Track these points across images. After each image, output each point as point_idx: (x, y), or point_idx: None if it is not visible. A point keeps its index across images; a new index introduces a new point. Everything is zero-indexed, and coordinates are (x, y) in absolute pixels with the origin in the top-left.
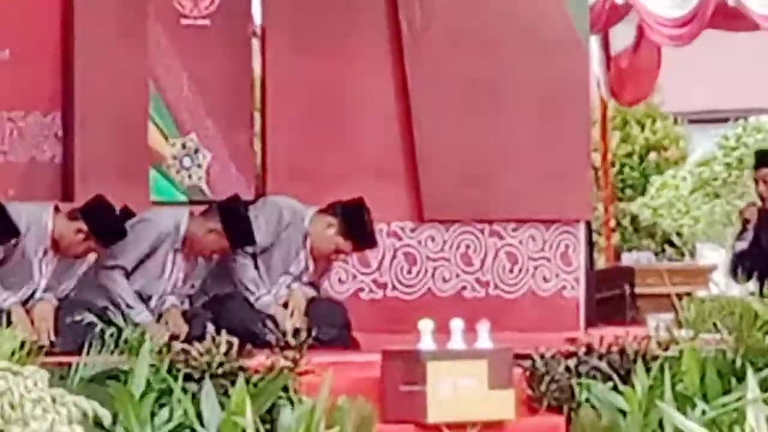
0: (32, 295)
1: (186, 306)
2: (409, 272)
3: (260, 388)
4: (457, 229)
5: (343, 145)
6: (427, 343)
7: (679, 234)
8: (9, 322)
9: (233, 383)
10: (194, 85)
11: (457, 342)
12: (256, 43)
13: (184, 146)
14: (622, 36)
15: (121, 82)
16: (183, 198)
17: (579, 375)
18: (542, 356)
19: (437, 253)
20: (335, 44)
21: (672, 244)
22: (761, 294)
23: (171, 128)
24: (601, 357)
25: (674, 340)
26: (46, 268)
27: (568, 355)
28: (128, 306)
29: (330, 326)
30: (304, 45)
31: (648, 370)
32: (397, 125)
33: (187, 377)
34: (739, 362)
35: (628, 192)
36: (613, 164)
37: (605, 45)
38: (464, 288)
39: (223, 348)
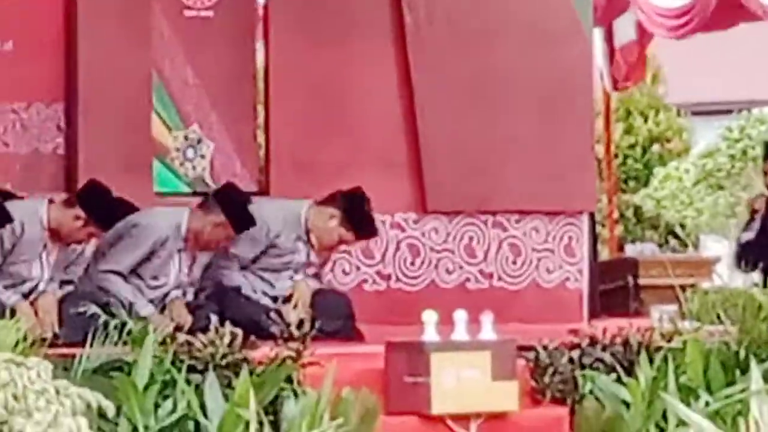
0: (35, 288)
1: (190, 297)
2: (413, 264)
3: (264, 380)
4: (461, 220)
5: (346, 137)
6: (430, 334)
7: (682, 225)
8: (12, 314)
9: (237, 375)
10: (198, 77)
11: (460, 333)
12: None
13: (187, 138)
14: (623, 29)
15: (125, 74)
16: (186, 189)
17: (582, 366)
18: (546, 348)
19: (441, 244)
20: (339, 36)
21: (675, 236)
22: (765, 285)
23: (174, 119)
24: (604, 348)
25: (678, 331)
26: (47, 261)
27: (572, 347)
28: (129, 302)
29: (334, 318)
30: (307, 37)
31: (651, 361)
32: (400, 117)
33: (191, 369)
34: (742, 353)
35: (632, 183)
36: (616, 156)
37: (609, 37)
38: (468, 279)
39: (226, 339)
